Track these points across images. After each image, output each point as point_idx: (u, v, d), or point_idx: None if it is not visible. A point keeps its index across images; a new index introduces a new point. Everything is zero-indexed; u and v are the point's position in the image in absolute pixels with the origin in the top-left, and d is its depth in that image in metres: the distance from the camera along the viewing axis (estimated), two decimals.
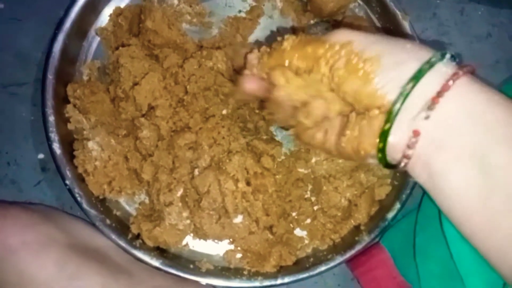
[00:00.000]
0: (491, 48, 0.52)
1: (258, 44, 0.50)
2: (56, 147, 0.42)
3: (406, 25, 0.48)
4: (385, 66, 0.27)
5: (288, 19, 0.50)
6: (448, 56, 0.27)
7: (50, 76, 0.43)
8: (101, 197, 0.43)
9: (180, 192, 0.42)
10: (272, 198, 0.42)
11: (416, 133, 0.26)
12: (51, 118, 0.42)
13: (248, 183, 0.42)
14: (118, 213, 0.44)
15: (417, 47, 0.28)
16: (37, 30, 0.49)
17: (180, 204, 0.42)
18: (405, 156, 0.27)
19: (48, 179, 0.47)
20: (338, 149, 0.31)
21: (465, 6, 0.53)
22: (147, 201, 0.45)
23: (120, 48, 0.43)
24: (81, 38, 0.47)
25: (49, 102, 0.42)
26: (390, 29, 0.50)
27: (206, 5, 0.50)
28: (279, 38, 0.33)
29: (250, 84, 0.35)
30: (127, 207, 0.45)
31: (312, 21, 0.50)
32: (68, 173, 0.41)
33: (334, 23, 0.49)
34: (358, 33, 0.30)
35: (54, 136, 0.42)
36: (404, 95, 0.26)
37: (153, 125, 0.43)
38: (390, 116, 0.27)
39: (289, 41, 0.32)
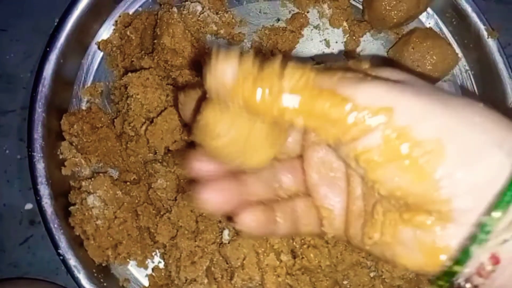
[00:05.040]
0: None
1: (299, 60, 0.40)
2: (47, 204, 0.32)
3: (491, 43, 0.38)
4: (448, 157, 0.19)
5: (338, 31, 0.40)
6: None
7: (40, 109, 0.34)
8: (104, 263, 0.34)
9: (206, 265, 0.32)
10: (323, 271, 0.33)
11: (495, 260, 0.20)
12: (40, 165, 0.33)
13: (294, 255, 0.32)
14: (125, 285, 0.35)
15: (490, 122, 0.19)
16: (27, 43, 0.39)
17: (205, 280, 0.32)
18: (472, 283, 0.21)
19: (38, 236, 0.37)
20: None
21: None
22: (162, 265, 0.36)
23: (130, 73, 0.33)
24: (79, 54, 0.38)
25: (38, 143, 0.33)
26: (470, 47, 0.39)
27: (236, 12, 0.40)
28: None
29: (216, 197, 0.21)
30: (137, 274, 0.36)
31: (368, 33, 0.40)
32: (62, 239, 0.32)
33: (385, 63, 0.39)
34: (402, 89, 0.19)
35: (44, 189, 0.32)
36: (503, 208, 0.18)
37: (171, 174, 0.34)
38: (476, 237, 0.19)
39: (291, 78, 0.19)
